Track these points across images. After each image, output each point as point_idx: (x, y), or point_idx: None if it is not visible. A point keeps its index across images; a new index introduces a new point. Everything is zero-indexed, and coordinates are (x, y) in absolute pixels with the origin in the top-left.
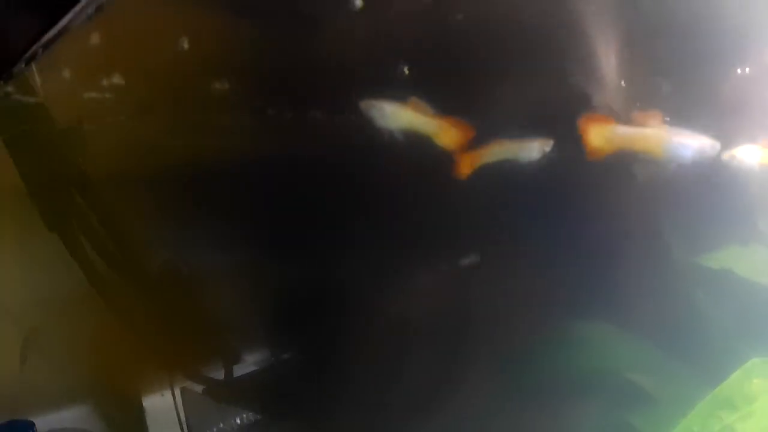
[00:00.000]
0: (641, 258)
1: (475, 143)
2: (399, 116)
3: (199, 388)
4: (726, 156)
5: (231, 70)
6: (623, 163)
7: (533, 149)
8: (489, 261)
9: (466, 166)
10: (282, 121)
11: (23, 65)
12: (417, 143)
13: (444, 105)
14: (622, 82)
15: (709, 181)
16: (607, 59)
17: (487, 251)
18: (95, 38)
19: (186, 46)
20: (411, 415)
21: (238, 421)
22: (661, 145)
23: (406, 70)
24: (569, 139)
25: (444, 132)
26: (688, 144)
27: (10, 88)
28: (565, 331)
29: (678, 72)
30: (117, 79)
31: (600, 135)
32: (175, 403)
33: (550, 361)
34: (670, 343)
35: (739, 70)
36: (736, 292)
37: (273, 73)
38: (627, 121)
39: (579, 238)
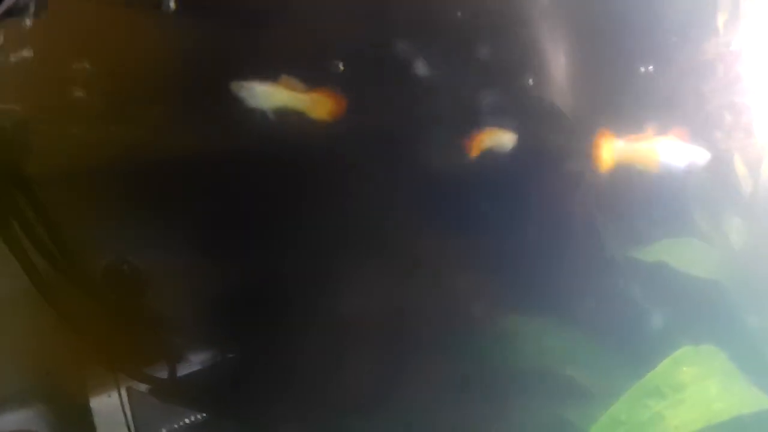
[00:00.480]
0: (577, 253)
1: None
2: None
3: (144, 387)
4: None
5: (155, 67)
6: (559, 161)
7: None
8: (429, 259)
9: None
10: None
11: None
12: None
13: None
14: (530, 81)
15: (643, 177)
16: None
17: (427, 249)
18: (27, 33)
19: (113, 44)
20: (354, 411)
21: (185, 421)
22: (656, 158)
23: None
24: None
25: (317, 105)
26: (680, 156)
27: None
28: (504, 326)
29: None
30: (54, 76)
31: (609, 150)
32: (121, 403)
33: (489, 357)
34: (606, 337)
35: (642, 68)
36: (670, 284)
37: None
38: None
39: (516, 234)
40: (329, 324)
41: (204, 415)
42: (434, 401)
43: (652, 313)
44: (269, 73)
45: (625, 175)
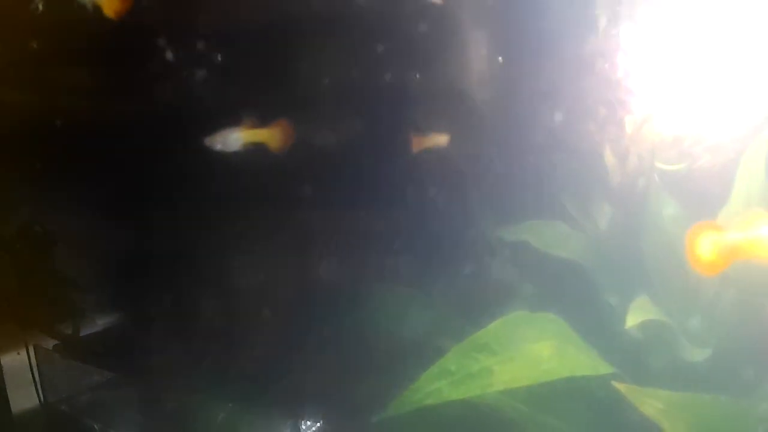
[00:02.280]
0: (449, 231)
1: None
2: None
3: (51, 346)
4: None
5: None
6: (434, 147)
7: None
8: (311, 235)
9: None
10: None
11: None
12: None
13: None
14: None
15: (518, 162)
16: None
17: (309, 226)
18: None
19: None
20: (246, 371)
21: (92, 379)
22: None
23: None
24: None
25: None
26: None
27: None
28: (379, 300)
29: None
30: None
31: (712, 248)
32: (29, 362)
33: (367, 329)
34: (471, 310)
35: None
36: (530, 262)
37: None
38: None
39: (392, 211)
40: (225, 289)
41: (109, 374)
42: (313, 367)
43: (513, 287)
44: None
45: (500, 159)
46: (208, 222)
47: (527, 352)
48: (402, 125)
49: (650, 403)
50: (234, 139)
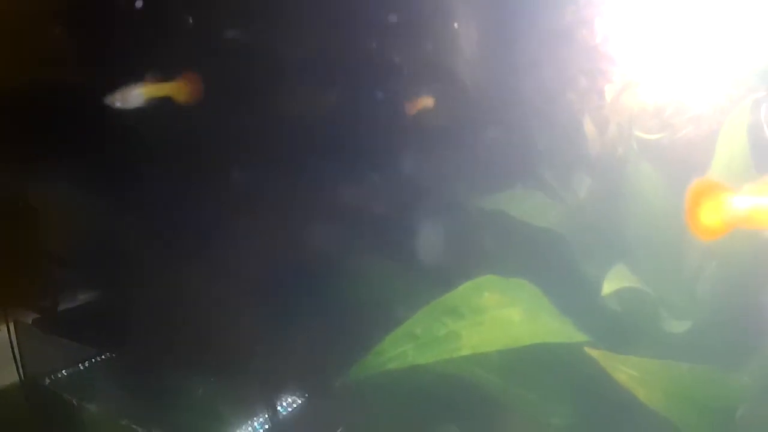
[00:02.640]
0: (426, 199)
1: None
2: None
3: (32, 322)
4: None
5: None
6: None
7: None
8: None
9: None
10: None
11: None
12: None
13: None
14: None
15: (497, 131)
16: None
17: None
18: None
19: None
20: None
21: (72, 355)
22: None
23: None
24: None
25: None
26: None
27: None
28: (351, 268)
29: None
30: None
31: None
32: (10, 338)
33: (338, 298)
34: (437, 277)
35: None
36: (507, 230)
37: None
38: None
39: (363, 181)
40: (204, 268)
41: (89, 350)
42: (285, 338)
43: (489, 254)
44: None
45: (479, 129)
46: (183, 196)
47: (497, 316)
48: (380, 93)
49: (624, 370)
50: (136, 95)
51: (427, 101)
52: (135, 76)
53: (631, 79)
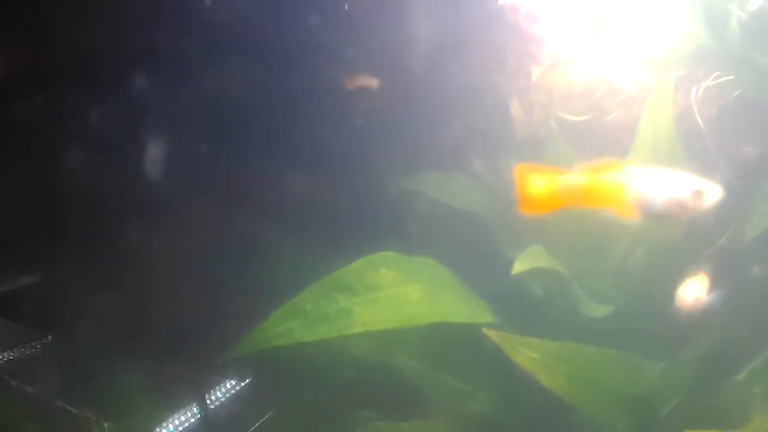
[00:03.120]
0: (350, 180)
1: None
2: None
3: None
4: None
5: None
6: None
7: None
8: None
9: None
10: None
11: None
12: None
13: None
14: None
15: (421, 113)
16: None
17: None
18: None
19: None
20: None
21: (10, 337)
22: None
23: None
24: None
25: None
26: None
27: None
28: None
29: None
30: None
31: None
32: None
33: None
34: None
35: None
36: (424, 212)
37: None
38: None
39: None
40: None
41: (27, 332)
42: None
43: (400, 234)
44: None
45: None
46: (120, 176)
47: (393, 294)
48: (301, 73)
49: (524, 352)
50: None
51: (351, 83)
52: None
53: (556, 60)
